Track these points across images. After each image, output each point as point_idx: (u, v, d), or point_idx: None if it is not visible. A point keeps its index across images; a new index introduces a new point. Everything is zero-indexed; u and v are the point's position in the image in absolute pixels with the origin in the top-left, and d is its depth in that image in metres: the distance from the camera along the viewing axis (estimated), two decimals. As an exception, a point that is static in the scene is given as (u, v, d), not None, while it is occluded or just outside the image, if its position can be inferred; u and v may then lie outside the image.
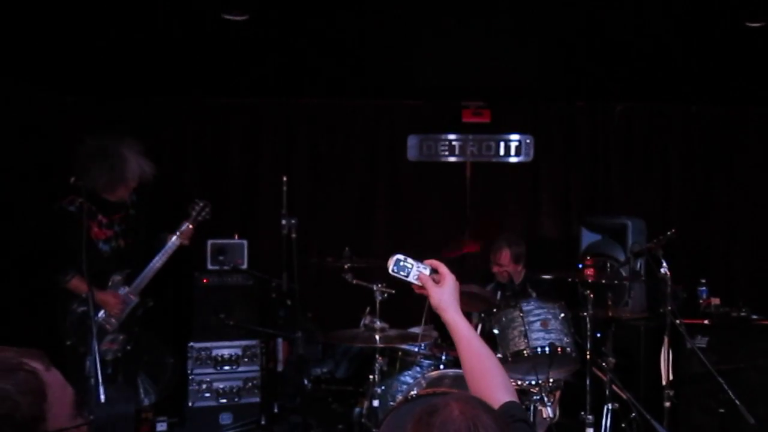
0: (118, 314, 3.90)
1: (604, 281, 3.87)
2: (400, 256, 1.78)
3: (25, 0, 3.43)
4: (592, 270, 3.88)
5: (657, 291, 4.04)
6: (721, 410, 4.17)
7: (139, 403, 4.60)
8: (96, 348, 3.49)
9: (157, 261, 4.03)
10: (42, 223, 3.95)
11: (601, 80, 5.16)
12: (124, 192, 3.93)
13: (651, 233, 4.89)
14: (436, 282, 1.77)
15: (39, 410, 1.13)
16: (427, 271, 1.79)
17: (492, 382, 1.63)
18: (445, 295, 1.76)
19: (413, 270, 1.78)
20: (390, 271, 1.77)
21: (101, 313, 3.88)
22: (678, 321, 3.85)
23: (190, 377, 4.80)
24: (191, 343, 4.83)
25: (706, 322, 4.60)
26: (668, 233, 3.89)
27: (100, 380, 3.45)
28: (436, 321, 4.85)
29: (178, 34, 4.08)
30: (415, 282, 1.78)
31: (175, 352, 4.81)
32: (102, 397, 3.46)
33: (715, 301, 4.95)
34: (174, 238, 4.08)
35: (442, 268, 1.78)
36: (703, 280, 5.04)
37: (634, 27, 3.90)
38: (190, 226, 4.15)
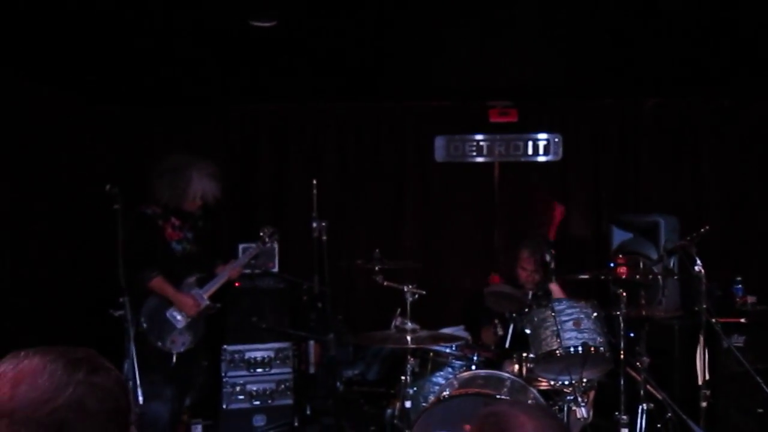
0: (193, 314, 4.12)
1: (638, 276, 3.81)
2: None
3: (59, 11, 3.52)
4: (624, 268, 3.83)
5: (691, 289, 3.98)
6: (760, 410, 4.11)
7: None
8: (133, 351, 3.60)
9: (209, 288, 4.25)
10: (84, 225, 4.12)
11: (630, 76, 5.09)
12: (189, 207, 4.20)
13: (684, 231, 4.81)
14: None
15: (129, 402, 1.18)
16: None
17: None
18: None
19: None
20: None
21: (172, 309, 4.09)
22: (714, 319, 3.79)
23: (224, 380, 4.86)
24: (225, 346, 4.89)
25: (742, 320, 4.51)
26: (701, 230, 3.83)
27: (138, 382, 3.56)
28: (468, 322, 4.88)
29: (207, 41, 4.15)
30: None
31: (209, 355, 4.88)
32: (140, 398, 3.58)
33: (752, 299, 4.86)
34: (225, 271, 4.33)
35: None
36: (739, 278, 4.95)
37: (662, 20, 3.85)
38: (239, 266, 4.47)
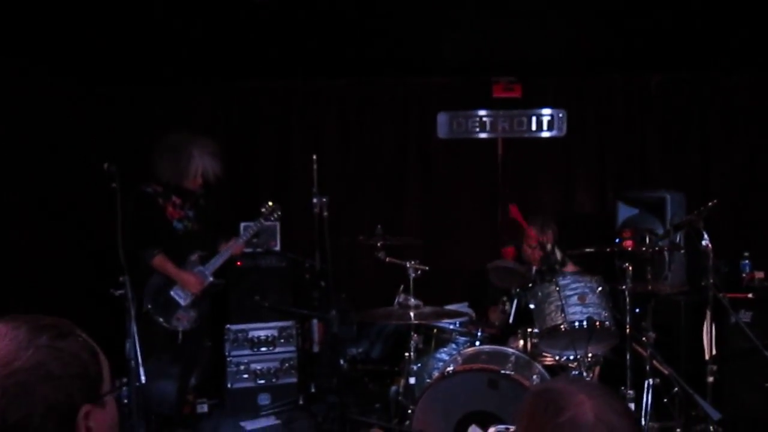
0: (196, 292, 4.14)
1: (644, 249, 3.76)
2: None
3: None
4: (630, 241, 3.79)
5: (698, 264, 3.93)
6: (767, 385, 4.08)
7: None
8: (135, 331, 3.59)
9: (213, 266, 4.26)
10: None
11: (636, 51, 5.00)
12: (190, 185, 4.19)
13: (690, 207, 4.75)
14: None
15: (101, 369, 1.16)
16: None
17: None
18: None
19: None
20: None
21: (175, 288, 4.12)
22: (721, 295, 3.75)
23: (228, 359, 4.86)
24: (228, 326, 4.88)
25: (750, 296, 4.47)
26: (709, 204, 3.77)
27: (140, 362, 3.55)
28: (472, 298, 4.84)
29: (206, 17, 4.09)
30: None
31: (212, 334, 4.87)
32: (143, 378, 3.57)
33: (759, 275, 4.81)
34: (227, 248, 4.33)
35: None
36: (746, 254, 4.90)
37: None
38: (241, 244, 4.43)
